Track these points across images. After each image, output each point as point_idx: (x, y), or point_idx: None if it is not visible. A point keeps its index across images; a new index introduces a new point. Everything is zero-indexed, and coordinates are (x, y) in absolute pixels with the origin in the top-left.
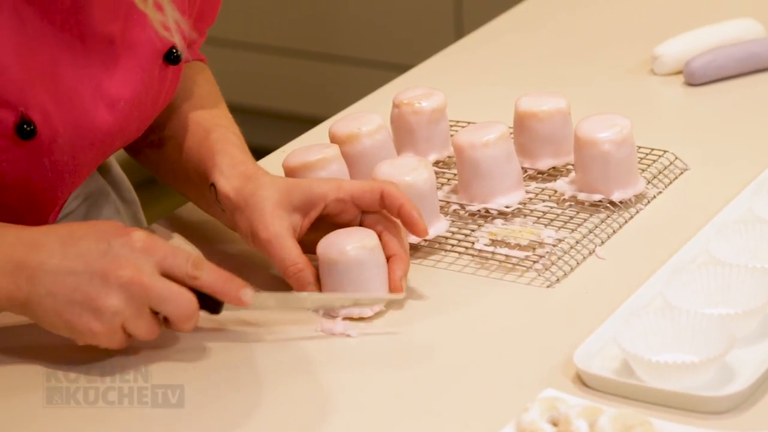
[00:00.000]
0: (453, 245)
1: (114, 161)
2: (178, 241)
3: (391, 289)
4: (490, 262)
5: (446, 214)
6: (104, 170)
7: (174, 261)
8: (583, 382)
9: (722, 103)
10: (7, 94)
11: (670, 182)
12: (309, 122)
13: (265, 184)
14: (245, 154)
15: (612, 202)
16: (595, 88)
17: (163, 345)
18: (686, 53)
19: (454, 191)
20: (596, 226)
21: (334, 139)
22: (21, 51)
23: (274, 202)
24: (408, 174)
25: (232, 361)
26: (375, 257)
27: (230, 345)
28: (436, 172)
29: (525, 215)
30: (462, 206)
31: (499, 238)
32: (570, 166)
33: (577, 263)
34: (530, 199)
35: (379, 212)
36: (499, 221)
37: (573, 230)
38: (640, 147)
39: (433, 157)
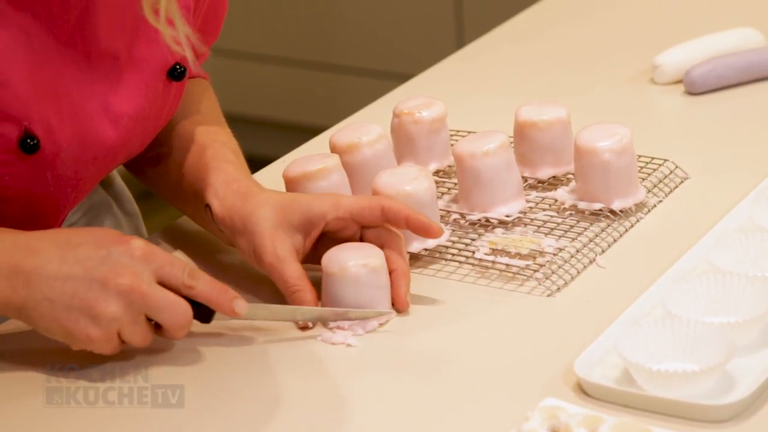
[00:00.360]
0: (453, 254)
1: (116, 174)
2: (177, 252)
3: (397, 304)
4: (491, 271)
5: (447, 223)
6: (107, 183)
7: (171, 270)
8: (584, 391)
9: (722, 112)
10: (12, 109)
11: (671, 191)
12: (310, 132)
13: (260, 204)
14: (240, 171)
15: (612, 211)
16: (595, 97)
17: (164, 346)
18: (686, 62)
19: (454, 200)
20: (596, 235)
21: (334, 149)
22: (26, 66)
23: (273, 222)
24: (408, 183)
25: (232, 361)
26: (377, 277)
27: (230, 345)
28: (437, 182)
29: (525, 224)
30: (462, 215)
31: (499, 247)
32: (570, 175)
33: (578, 272)
34: (530, 208)
35: (380, 227)
36: (499, 230)
37: (573, 239)
38: (640, 156)
39: (433, 167)
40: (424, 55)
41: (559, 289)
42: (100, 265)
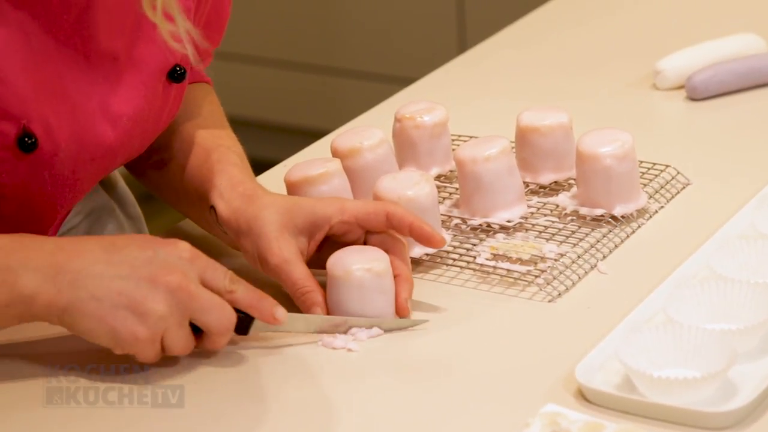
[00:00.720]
0: (455, 260)
1: (120, 177)
2: None
3: (398, 310)
4: (492, 276)
5: (448, 228)
6: (109, 187)
7: (214, 274)
8: (585, 397)
9: (724, 118)
10: (10, 107)
11: (672, 197)
12: (311, 135)
13: (265, 206)
14: (245, 174)
15: (614, 217)
16: (597, 103)
17: None
18: (688, 68)
19: (455, 205)
20: (598, 241)
21: (335, 154)
22: (25, 65)
23: (278, 225)
24: (410, 188)
25: (233, 362)
26: (381, 282)
27: (231, 346)
28: (438, 187)
29: (527, 230)
30: (464, 220)
31: (500, 253)
32: (572, 181)
33: (579, 278)
34: (532, 213)
35: (384, 232)
36: (500, 236)
37: (575, 245)
38: (642, 162)
39: (434, 172)
40: (426, 60)
41: (560, 294)
42: (147, 264)
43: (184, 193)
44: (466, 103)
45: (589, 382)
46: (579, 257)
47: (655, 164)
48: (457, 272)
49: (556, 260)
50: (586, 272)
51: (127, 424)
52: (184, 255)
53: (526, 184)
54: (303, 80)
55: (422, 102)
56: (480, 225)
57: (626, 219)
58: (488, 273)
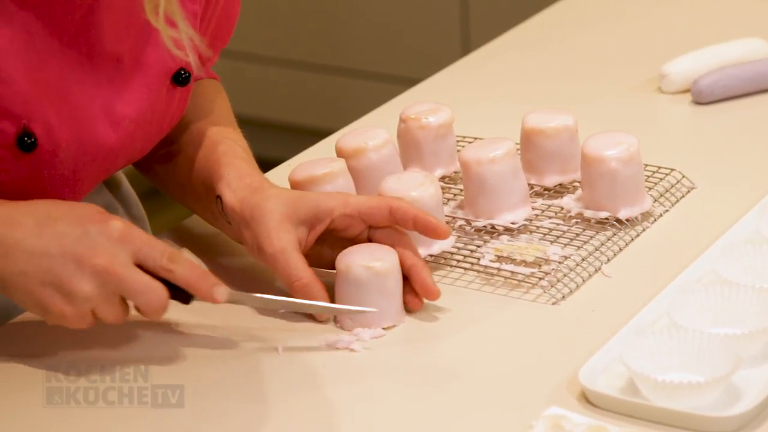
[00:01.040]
0: (458, 261)
1: (123, 178)
2: (183, 251)
3: (426, 295)
4: (496, 278)
5: (452, 229)
6: (113, 187)
7: (149, 252)
8: (588, 400)
9: (730, 122)
10: (11, 106)
11: (677, 201)
12: (316, 135)
13: (270, 197)
14: (252, 167)
15: (618, 220)
16: (602, 106)
17: (164, 345)
18: (694, 72)
19: (460, 207)
20: (602, 244)
21: (340, 153)
22: (27, 65)
23: (280, 215)
24: (414, 189)
25: (233, 362)
26: (380, 281)
27: (231, 346)
28: (443, 188)
29: (531, 232)
30: (468, 222)
31: (504, 255)
32: (576, 183)
33: (583, 281)
34: (536, 215)
35: (389, 227)
36: (505, 237)
37: (579, 247)
38: (647, 165)
39: (439, 173)
40: (431, 61)
41: (564, 297)
42: (76, 242)
43: (190, 185)
44: (471, 105)
45: (592, 386)
46: (583, 260)
47: (660, 168)
48: (461, 273)
49: (560, 263)
50: (590, 275)
51: (127, 424)
52: (114, 234)
53: (531, 186)
54: (308, 80)
55: (427, 103)
56: (484, 226)
57: (631, 222)
58: (492, 275)
